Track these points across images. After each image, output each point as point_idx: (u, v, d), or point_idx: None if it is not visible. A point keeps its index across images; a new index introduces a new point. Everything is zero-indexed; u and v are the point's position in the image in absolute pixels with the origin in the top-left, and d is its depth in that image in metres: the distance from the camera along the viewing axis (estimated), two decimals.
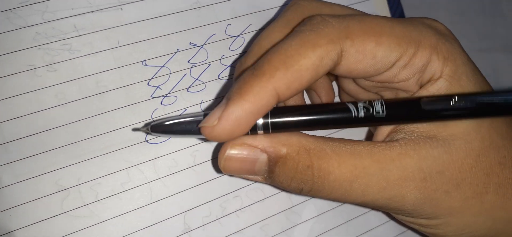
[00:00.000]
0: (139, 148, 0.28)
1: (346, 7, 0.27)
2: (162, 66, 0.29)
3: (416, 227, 0.25)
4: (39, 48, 0.27)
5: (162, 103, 0.29)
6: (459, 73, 0.23)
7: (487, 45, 0.39)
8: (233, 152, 0.22)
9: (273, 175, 0.23)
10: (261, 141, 0.22)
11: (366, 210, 0.32)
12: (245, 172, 0.23)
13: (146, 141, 0.28)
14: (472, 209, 0.23)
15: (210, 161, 0.29)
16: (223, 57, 0.30)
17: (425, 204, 0.23)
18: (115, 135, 0.27)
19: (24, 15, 0.27)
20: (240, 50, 0.31)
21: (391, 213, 0.26)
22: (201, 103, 0.29)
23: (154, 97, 0.28)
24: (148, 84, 0.29)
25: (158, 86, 0.29)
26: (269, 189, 0.30)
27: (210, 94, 0.29)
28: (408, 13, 0.36)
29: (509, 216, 0.23)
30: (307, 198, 0.30)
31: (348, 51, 0.22)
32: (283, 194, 0.30)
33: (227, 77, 0.30)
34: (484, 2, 0.39)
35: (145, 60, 0.29)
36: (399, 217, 0.25)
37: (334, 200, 0.23)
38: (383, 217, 0.32)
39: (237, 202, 0.29)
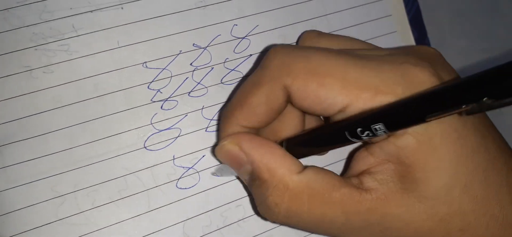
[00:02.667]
0: (137, 154, 0.27)
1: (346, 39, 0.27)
2: (163, 69, 0.28)
3: None
4: (36, 49, 0.27)
5: (162, 107, 0.28)
6: (430, 132, 0.21)
7: (487, 45, 0.38)
8: (227, 145, 0.25)
9: (251, 188, 0.25)
10: (256, 151, 0.24)
11: None
12: (233, 167, 0.26)
13: (145, 147, 0.28)
14: None
15: (209, 169, 0.29)
16: (227, 60, 0.30)
17: None
18: (113, 140, 0.27)
19: (22, 15, 0.27)
20: (245, 54, 0.30)
21: None
22: (202, 109, 0.29)
23: (154, 102, 0.28)
24: (148, 87, 0.28)
25: (159, 90, 0.28)
26: None
27: (212, 99, 0.29)
28: None
29: None
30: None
31: (291, 88, 0.23)
32: None
33: (230, 82, 0.29)
34: (484, 2, 0.38)
35: (145, 62, 0.28)
36: None
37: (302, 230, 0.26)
38: None
39: (240, 211, 0.29)
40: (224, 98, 0.29)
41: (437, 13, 0.38)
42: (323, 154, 0.29)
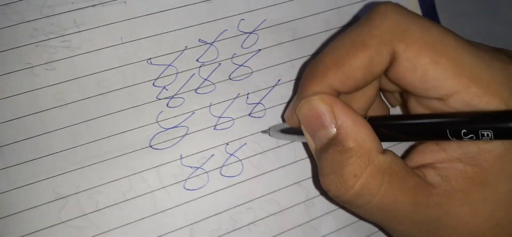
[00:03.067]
0: (143, 153, 0.26)
1: (447, 31, 0.23)
2: (169, 65, 0.27)
3: None
4: (37, 45, 0.26)
5: (168, 105, 0.27)
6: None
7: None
8: (317, 102, 0.22)
9: (324, 154, 0.23)
10: (349, 118, 0.22)
11: None
12: (310, 127, 0.23)
13: (151, 146, 0.27)
14: None
15: (219, 169, 0.27)
16: (234, 55, 0.29)
17: None
18: (117, 139, 0.26)
19: (22, 10, 0.26)
20: (253, 49, 0.29)
21: None
22: (210, 106, 0.28)
23: (160, 99, 0.27)
24: (153, 84, 0.27)
25: (164, 87, 0.27)
26: (285, 201, 0.28)
27: (220, 96, 0.28)
28: None
29: None
30: (326, 211, 0.28)
31: (401, 55, 0.21)
32: (300, 206, 0.28)
33: (238, 78, 0.28)
34: (484, 2, 0.38)
35: (150, 59, 0.27)
36: None
37: (359, 213, 0.23)
38: None
39: (250, 214, 0.28)
40: (232, 95, 0.28)
41: (437, 13, 0.38)
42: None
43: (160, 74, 0.27)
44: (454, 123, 0.21)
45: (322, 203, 0.29)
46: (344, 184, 0.22)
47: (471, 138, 0.20)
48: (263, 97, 0.29)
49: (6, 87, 0.25)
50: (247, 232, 0.27)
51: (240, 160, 0.28)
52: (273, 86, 0.29)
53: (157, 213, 0.26)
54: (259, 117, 0.29)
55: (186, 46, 0.28)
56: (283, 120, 0.28)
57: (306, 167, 0.29)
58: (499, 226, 0.22)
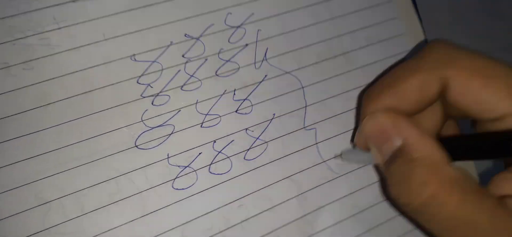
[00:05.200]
0: (129, 154, 0.26)
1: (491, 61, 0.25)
2: (154, 62, 0.27)
3: None
4: (14, 44, 0.25)
5: (153, 103, 0.27)
6: None
7: (487, 45, 0.38)
8: (381, 117, 0.25)
9: (391, 165, 0.24)
10: (414, 130, 0.23)
11: (390, 216, 0.30)
12: (375, 141, 0.25)
13: (136, 146, 0.26)
14: None
15: (207, 167, 0.27)
16: (221, 50, 0.28)
17: None
18: (101, 139, 0.26)
19: None
20: (240, 43, 0.29)
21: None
22: (196, 103, 0.27)
23: (145, 97, 0.27)
24: (137, 82, 0.27)
25: (149, 84, 0.27)
26: (277, 197, 0.28)
27: (207, 93, 0.28)
28: None
29: None
30: (319, 205, 0.29)
31: (452, 80, 0.23)
32: (293, 201, 0.28)
33: (225, 74, 0.28)
34: (484, 2, 0.39)
35: (134, 55, 0.27)
36: None
37: (426, 225, 0.24)
38: (408, 225, 0.30)
39: (242, 212, 0.27)
40: (219, 91, 0.28)
41: (437, 13, 0.39)
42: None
43: (144, 71, 0.27)
44: None
45: (315, 197, 0.29)
46: (412, 192, 0.23)
47: None
48: (250, 93, 0.29)
49: None
50: (240, 230, 0.27)
51: (228, 157, 0.28)
52: (260, 81, 0.29)
53: (146, 215, 0.26)
54: (246, 113, 0.29)
55: (171, 42, 0.28)
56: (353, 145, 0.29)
57: (296, 161, 0.29)
58: None
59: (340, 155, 0.29)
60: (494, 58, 0.24)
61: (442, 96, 0.25)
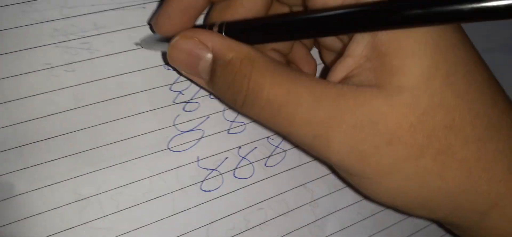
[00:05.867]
0: (162, 155, 0.28)
1: None
2: None
3: (354, 185, 0.25)
4: (57, 46, 0.26)
5: (185, 109, 0.29)
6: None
7: (487, 45, 0.37)
8: (181, 41, 0.24)
9: (214, 77, 0.24)
10: (213, 40, 0.23)
11: (392, 222, 0.33)
12: (189, 66, 0.24)
13: (169, 148, 0.28)
14: (403, 172, 0.22)
15: (232, 171, 0.29)
16: None
17: (351, 154, 0.22)
18: (137, 141, 0.27)
19: (41, 9, 0.26)
20: None
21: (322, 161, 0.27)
22: (223, 110, 0.30)
23: (177, 103, 0.29)
24: (170, 89, 0.29)
25: (180, 92, 0.29)
26: (293, 201, 0.30)
27: None
28: None
29: (447, 187, 0.22)
30: (330, 212, 0.31)
31: None
32: (306, 207, 0.31)
33: None
34: None
35: (167, 64, 0.29)
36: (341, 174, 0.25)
37: (263, 123, 0.24)
38: (409, 228, 0.33)
39: (261, 214, 0.30)
40: None
41: None
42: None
43: (176, 79, 0.29)
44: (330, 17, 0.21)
45: (326, 204, 0.31)
46: (239, 88, 0.23)
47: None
48: None
49: (25, 87, 0.25)
50: (259, 231, 0.29)
51: (251, 163, 0.30)
52: None
53: (176, 214, 0.28)
54: None
55: None
56: (150, 26, 0.28)
57: (310, 170, 0.31)
58: (426, 115, 0.21)
59: (140, 43, 0.28)
60: None
61: None
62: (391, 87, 0.21)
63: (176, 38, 0.24)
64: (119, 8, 0.28)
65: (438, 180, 0.22)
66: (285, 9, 0.28)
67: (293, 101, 0.22)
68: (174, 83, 0.29)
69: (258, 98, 0.22)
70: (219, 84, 0.24)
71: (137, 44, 0.28)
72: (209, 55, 0.23)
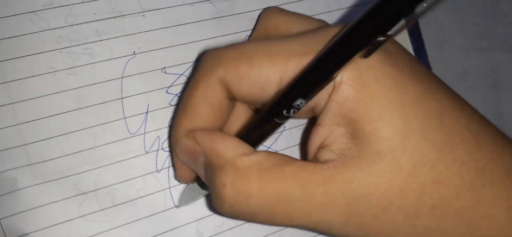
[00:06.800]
0: (156, 155, 0.30)
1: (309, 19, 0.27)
2: (181, 75, 0.31)
3: None
4: (61, 52, 0.29)
5: None
6: (364, 78, 0.22)
7: (487, 45, 0.39)
8: (183, 142, 0.25)
9: (206, 181, 0.25)
10: (208, 139, 0.24)
11: None
12: (190, 164, 0.26)
13: (162, 148, 0.30)
14: (404, 234, 0.23)
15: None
16: None
17: (352, 227, 0.23)
18: (133, 141, 0.29)
19: (47, 17, 0.29)
20: None
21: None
22: None
23: (172, 105, 0.30)
24: (166, 91, 0.30)
25: (176, 94, 0.31)
26: None
27: None
28: None
29: None
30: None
31: (225, 79, 0.24)
32: None
33: None
34: (484, 2, 0.40)
35: (165, 68, 0.31)
36: None
37: (259, 223, 0.24)
38: None
39: None
40: None
41: (437, 13, 0.40)
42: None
43: (173, 83, 0.31)
44: (272, 108, 0.23)
45: None
46: (219, 198, 0.23)
47: (294, 112, 0.23)
48: None
49: (31, 89, 0.28)
50: (248, 227, 0.31)
51: None
52: None
53: (167, 210, 0.30)
54: None
55: (198, 57, 0.31)
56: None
57: None
58: (412, 175, 0.21)
59: (178, 206, 0.30)
60: (256, 39, 0.26)
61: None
62: (371, 155, 0.21)
63: (180, 141, 0.26)
64: (119, 16, 0.30)
65: (438, 234, 0.22)
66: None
67: (285, 201, 0.22)
68: (170, 86, 0.31)
69: (246, 204, 0.23)
70: (210, 189, 0.25)
71: (180, 205, 0.30)
72: (202, 159, 0.25)
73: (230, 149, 0.23)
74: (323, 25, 0.26)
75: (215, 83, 0.24)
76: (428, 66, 0.37)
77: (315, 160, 0.23)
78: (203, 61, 0.25)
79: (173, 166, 0.29)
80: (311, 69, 0.22)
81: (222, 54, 0.25)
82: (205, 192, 0.28)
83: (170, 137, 0.30)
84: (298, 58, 0.23)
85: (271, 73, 0.23)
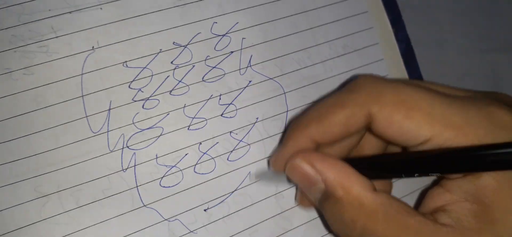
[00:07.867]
0: (120, 154, 0.29)
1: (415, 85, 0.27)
2: (144, 68, 0.30)
3: None
4: (15, 51, 0.28)
5: (144, 107, 0.30)
6: (507, 176, 0.23)
7: (487, 45, 0.40)
8: (299, 163, 0.26)
9: (324, 206, 0.26)
10: (330, 170, 0.25)
11: None
12: (302, 186, 0.27)
13: (128, 146, 0.29)
14: None
15: (193, 167, 0.30)
16: (208, 58, 0.31)
17: None
18: (96, 140, 0.29)
19: (0, 17, 0.28)
20: (226, 51, 0.31)
21: None
22: (184, 107, 0.30)
23: (136, 101, 0.29)
24: (129, 87, 0.29)
25: (140, 89, 0.30)
26: (256, 195, 0.31)
27: (194, 97, 0.30)
28: (406, 13, 0.36)
29: None
30: (296, 204, 0.31)
31: (376, 116, 0.25)
32: (272, 199, 0.31)
33: (212, 80, 0.31)
34: (484, 2, 0.40)
35: (126, 62, 0.29)
36: None
37: None
38: None
39: (224, 208, 0.30)
40: (206, 96, 0.31)
41: (437, 13, 0.40)
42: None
43: (135, 77, 0.30)
44: (412, 165, 0.25)
45: (291, 195, 0.31)
46: (347, 230, 0.25)
47: (419, 175, 0.24)
48: (235, 98, 0.32)
49: None
50: (222, 224, 0.30)
51: (212, 158, 0.31)
52: (245, 87, 0.32)
53: (135, 209, 0.29)
54: (231, 117, 0.31)
55: (160, 49, 0.30)
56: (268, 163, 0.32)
57: None
58: None
59: (254, 176, 0.31)
60: (420, 86, 0.25)
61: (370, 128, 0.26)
62: (489, 234, 0.23)
63: (295, 159, 0.26)
64: (75, 10, 0.29)
65: None
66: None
67: None
68: (133, 81, 0.30)
69: None
70: (328, 214, 0.26)
71: (257, 178, 0.31)
72: (322, 186, 0.26)
73: (354, 183, 0.25)
74: (478, 94, 0.26)
75: (363, 116, 0.25)
76: (420, 69, 0.37)
77: (431, 217, 0.24)
78: (358, 88, 0.26)
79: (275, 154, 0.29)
80: (466, 156, 0.23)
81: (381, 90, 0.25)
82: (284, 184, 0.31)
83: (285, 131, 0.31)
84: (458, 132, 0.23)
85: (423, 133, 0.24)
